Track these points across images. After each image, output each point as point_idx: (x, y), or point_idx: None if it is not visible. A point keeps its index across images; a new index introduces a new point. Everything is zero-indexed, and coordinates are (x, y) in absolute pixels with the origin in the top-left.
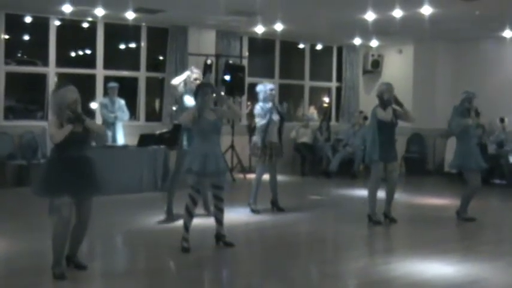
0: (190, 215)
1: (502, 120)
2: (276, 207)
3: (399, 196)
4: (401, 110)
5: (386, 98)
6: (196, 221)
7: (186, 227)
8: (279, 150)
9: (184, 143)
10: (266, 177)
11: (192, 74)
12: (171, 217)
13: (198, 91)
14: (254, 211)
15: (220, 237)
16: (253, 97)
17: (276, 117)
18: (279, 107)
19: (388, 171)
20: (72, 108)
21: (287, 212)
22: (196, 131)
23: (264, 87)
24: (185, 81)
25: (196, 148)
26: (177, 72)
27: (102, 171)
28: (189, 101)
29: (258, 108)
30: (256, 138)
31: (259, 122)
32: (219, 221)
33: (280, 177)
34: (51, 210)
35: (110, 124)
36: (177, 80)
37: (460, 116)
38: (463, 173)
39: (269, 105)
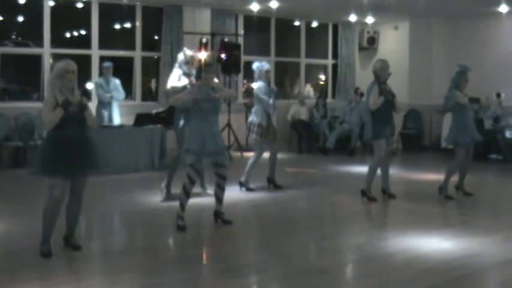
0: (187, 194)
1: (498, 95)
2: (273, 184)
3: (396, 172)
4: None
5: (382, 75)
6: (194, 199)
7: (182, 205)
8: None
9: (181, 121)
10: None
11: (186, 55)
12: (169, 196)
13: (200, 69)
14: (249, 189)
15: (218, 215)
16: (249, 75)
17: (272, 96)
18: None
19: (386, 146)
20: (75, 100)
21: (285, 189)
22: (195, 111)
23: (261, 66)
24: (179, 63)
25: (194, 127)
26: (173, 51)
27: (101, 151)
28: (185, 81)
29: (262, 87)
30: (257, 118)
31: (263, 101)
32: (219, 199)
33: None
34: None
35: (105, 104)
36: (171, 83)
37: (456, 89)
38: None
39: (263, 83)
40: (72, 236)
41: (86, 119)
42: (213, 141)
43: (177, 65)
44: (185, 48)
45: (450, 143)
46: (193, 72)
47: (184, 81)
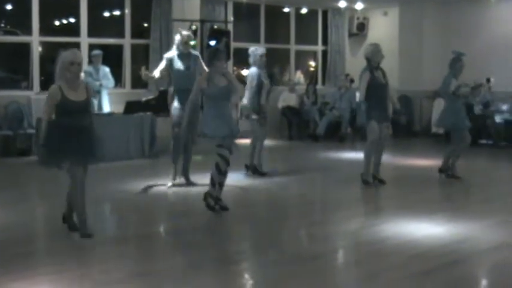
0: (221, 173)
1: (488, 80)
2: (251, 170)
3: (387, 158)
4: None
5: (375, 59)
6: (186, 188)
7: (219, 183)
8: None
9: (175, 104)
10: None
11: (182, 35)
12: (188, 182)
13: (215, 55)
14: (263, 173)
15: (216, 201)
16: (239, 62)
17: (266, 80)
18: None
19: (381, 131)
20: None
21: (276, 175)
22: (206, 96)
23: (255, 50)
24: (177, 45)
25: (207, 112)
26: (162, 39)
27: (102, 140)
28: (178, 64)
29: (253, 73)
30: (248, 102)
31: (250, 85)
32: (220, 185)
33: (267, 142)
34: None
35: (95, 92)
36: (157, 72)
37: (454, 77)
38: (450, 132)
39: (257, 69)
40: (70, 217)
41: (89, 108)
42: (226, 125)
43: (174, 47)
44: (180, 29)
45: (446, 127)
46: (191, 51)
47: (162, 64)
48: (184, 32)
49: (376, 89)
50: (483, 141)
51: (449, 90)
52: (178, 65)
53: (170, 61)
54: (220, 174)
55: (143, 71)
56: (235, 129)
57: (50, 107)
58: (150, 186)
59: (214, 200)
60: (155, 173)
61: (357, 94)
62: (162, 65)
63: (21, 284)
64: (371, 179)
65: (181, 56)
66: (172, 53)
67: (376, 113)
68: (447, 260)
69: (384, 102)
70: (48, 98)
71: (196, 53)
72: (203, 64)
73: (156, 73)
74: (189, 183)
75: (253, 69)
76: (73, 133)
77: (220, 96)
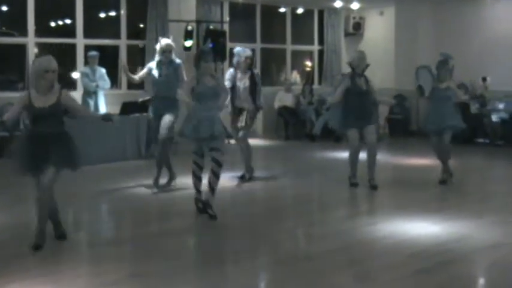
0: (198, 178)
1: (484, 79)
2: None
3: (383, 157)
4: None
5: (359, 66)
6: (184, 188)
7: (197, 190)
8: (251, 115)
9: (150, 112)
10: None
11: (161, 44)
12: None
13: (200, 57)
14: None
15: (206, 206)
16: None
17: (241, 83)
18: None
19: (365, 136)
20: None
21: (272, 176)
22: (194, 96)
23: (242, 52)
24: (158, 53)
25: (192, 112)
26: (158, 39)
27: (79, 145)
28: (155, 72)
29: (228, 74)
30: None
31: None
32: (212, 188)
33: (264, 142)
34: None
35: (91, 93)
36: (139, 76)
37: (437, 78)
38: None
39: (233, 70)
40: (58, 226)
41: (58, 114)
42: (208, 126)
43: (156, 55)
44: (160, 38)
45: (422, 128)
46: (174, 59)
47: (145, 69)
48: (164, 41)
49: (355, 96)
50: (480, 140)
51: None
52: (155, 72)
53: (150, 69)
54: (198, 179)
55: (124, 65)
56: (217, 130)
57: (13, 109)
58: (146, 187)
59: (202, 203)
60: (151, 174)
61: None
62: (144, 71)
63: (16, 285)
64: (357, 180)
65: (160, 63)
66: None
67: (353, 120)
68: (443, 259)
69: (363, 109)
70: (16, 101)
71: (179, 61)
72: (184, 74)
73: (137, 77)
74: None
75: (229, 71)
76: (39, 140)
77: (209, 96)
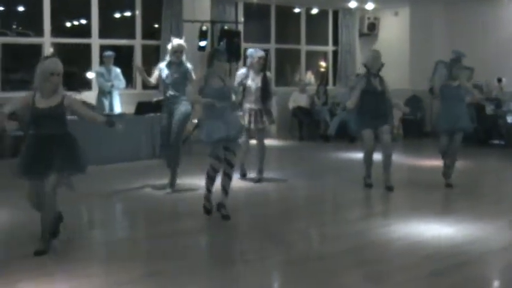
0: (211, 179)
1: (499, 80)
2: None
3: (398, 159)
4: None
5: (374, 66)
6: (196, 188)
7: (208, 189)
8: (264, 117)
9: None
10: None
11: (173, 44)
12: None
13: (214, 55)
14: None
15: (220, 207)
16: None
17: (253, 83)
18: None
19: (380, 136)
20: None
21: (286, 176)
22: (202, 97)
23: (254, 53)
24: (169, 54)
25: (205, 116)
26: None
27: (93, 145)
28: (165, 73)
29: (238, 74)
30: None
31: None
32: (225, 190)
33: (278, 142)
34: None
35: (106, 93)
36: (154, 78)
37: (449, 76)
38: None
39: (246, 70)
40: (42, 239)
41: (60, 116)
42: (223, 128)
43: (167, 55)
44: (172, 38)
45: (434, 128)
46: (185, 62)
47: (156, 71)
48: (176, 41)
49: (371, 96)
50: (495, 142)
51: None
52: (165, 73)
53: (160, 69)
54: (211, 180)
55: (139, 67)
56: (233, 132)
57: (13, 103)
58: (159, 187)
59: (209, 203)
60: (165, 174)
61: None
62: (156, 72)
63: (27, 284)
64: (371, 181)
65: (169, 64)
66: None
67: (369, 120)
68: (458, 260)
69: (378, 109)
70: (18, 99)
71: (189, 66)
72: (193, 77)
73: (152, 79)
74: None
75: (240, 71)
76: (41, 143)
77: (216, 98)
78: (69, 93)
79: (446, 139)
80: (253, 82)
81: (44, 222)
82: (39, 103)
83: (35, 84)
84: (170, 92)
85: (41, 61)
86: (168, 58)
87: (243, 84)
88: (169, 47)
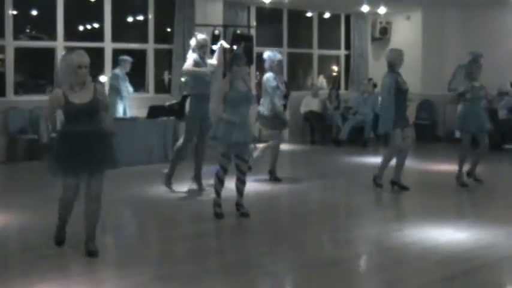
0: (221, 182)
1: None
2: (273, 177)
3: (410, 163)
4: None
5: (399, 64)
6: (209, 192)
7: (218, 193)
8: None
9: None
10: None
11: (198, 39)
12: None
13: (232, 61)
14: (277, 179)
15: (238, 206)
16: (262, 67)
17: (282, 87)
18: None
19: (403, 137)
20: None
21: (298, 181)
22: (227, 101)
23: (273, 56)
24: (193, 49)
25: (226, 115)
26: (185, 44)
27: (117, 145)
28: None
29: (271, 78)
30: (263, 108)
31: (273, 91)
32: (240, 192)
33: (290, 147)
34: None
35: (122, 96)
36: (187, 65)
37: (467, 78)
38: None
39: (273, 73)
40: (90, 241)
41: (96, 111)
42: (241, 133)
43: (190, 50)
44: (196, 33)
45: (457, 129)
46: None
47: (190, 56)
48: (200, 36)
49: (402, 94)
50: (508, 146)
51: (459, 90)
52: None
53: (196, 62)
54: (220, 183)
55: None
56: (248, 138)
57: (50, 111)
58: (172, 191)
59: (220, 208)
60: (177, 177)
61: (379, 99)
62: (191, 62)
63: (44, 286)
64: (382, 181)
65: (201, 59)
66: (193, 55)
67: (400, 120)
68: (471, 265)
69: (405, 108)
70: (49, 101)
71: (210, 61)
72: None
73: (200, 69)
74: (201, 188)
75: (269, 74)
76: (82, 141)
77: (241, 101)
78: (98, 85)
79: (469, 142)
80: (281, 85)
81: (89, 223)
82: (73, 98)
83: (60, 81)
84: (201, 91)
85: (65, 55)
86: (193, 54)
87: (278, 87)
88: (192, 42)
